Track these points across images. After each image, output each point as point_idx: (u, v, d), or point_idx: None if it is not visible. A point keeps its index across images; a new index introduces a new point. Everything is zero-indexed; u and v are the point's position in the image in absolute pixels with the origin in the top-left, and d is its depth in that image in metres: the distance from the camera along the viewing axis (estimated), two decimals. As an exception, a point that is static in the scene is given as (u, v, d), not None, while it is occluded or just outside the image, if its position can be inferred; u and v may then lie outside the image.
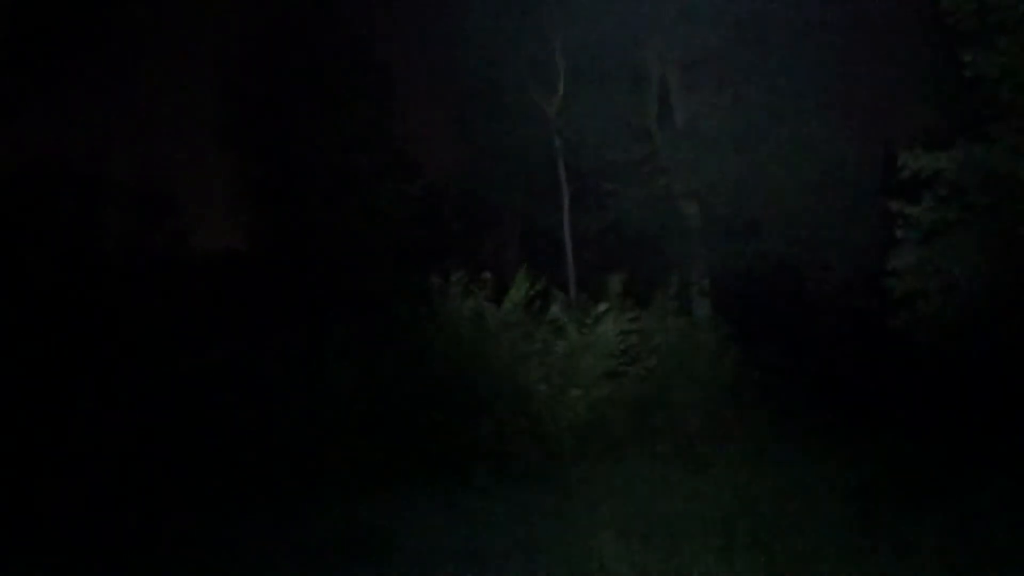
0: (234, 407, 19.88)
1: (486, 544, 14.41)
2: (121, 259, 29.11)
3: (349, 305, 24.74)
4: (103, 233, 30.38)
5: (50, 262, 25.14)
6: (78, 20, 22.60)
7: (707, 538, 13.58)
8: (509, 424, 20.50)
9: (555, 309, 22.84)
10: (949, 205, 23.20)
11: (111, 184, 30.95)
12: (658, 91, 32.50)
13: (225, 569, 13.97)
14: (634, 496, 16.65)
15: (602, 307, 22.78)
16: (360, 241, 30.62)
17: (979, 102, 22.96)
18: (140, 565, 14.17)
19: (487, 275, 22.26)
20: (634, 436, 21.65)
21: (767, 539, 13.48)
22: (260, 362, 21.06)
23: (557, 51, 30.71)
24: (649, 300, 24.69)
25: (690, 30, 30.76)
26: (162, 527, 15.90)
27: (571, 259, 30.20)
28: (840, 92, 31.77)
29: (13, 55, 22.00)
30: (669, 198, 31.86)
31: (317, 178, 31.32)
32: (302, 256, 29.58)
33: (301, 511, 16.67)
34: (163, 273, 25.77)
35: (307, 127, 32.70)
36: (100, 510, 16.51)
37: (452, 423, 20.27)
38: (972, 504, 14.95)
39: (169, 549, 14.89)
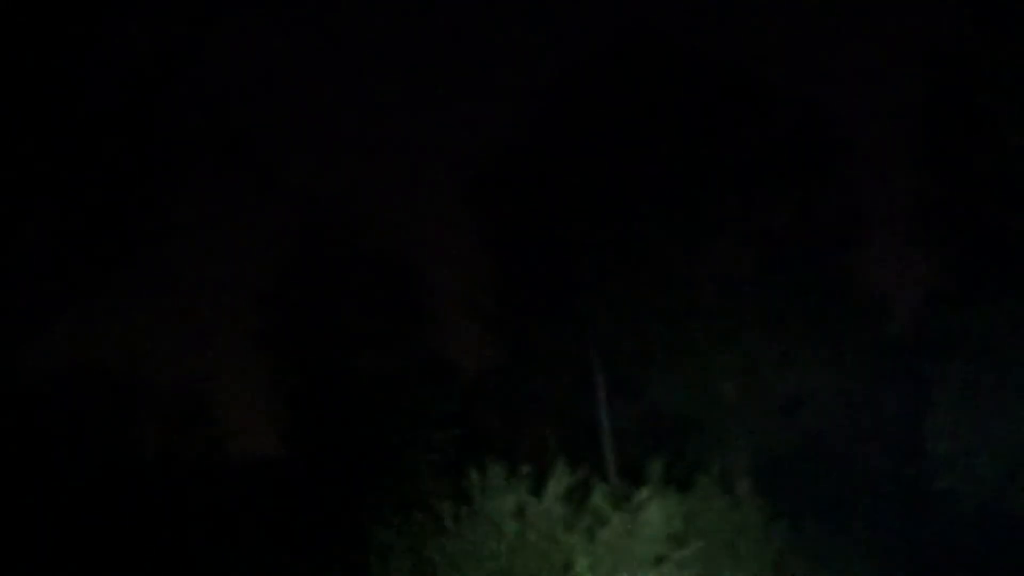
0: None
1: None
2: (158, 466, 29.37)
3: (390, 508, 24.80)
4: (140, 438, 30.71)
5: (86, 469, 25.44)
6: (113, 226, 23.38)
7: None
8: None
9: (596, 498, 22.80)
10: (982, 362, 23.26)
11: (147, 389, 31.44)
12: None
13: None
14: None
15: (644, 493, 22.72)
16: (398, 443, 30.80)
17: (999, 259, 23.25)
18: None
19: (526, 468, 22.36)
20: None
21: None
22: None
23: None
24: (691, 483, 24.62)
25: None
26: None
27: (609, 447, 30.22)
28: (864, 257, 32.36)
29: (48, 260, 22.73)
30: (704, 380, 31.96)
31: (353, 382, 31.71)
32: (339, 461, 29.72)
33: None
34: (200, 480, 25.96)
35: (342, 332, 33.33)
36: None
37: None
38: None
39: None
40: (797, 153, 32.21)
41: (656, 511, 22.57)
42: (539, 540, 21.68)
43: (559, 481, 22.41)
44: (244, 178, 25.19)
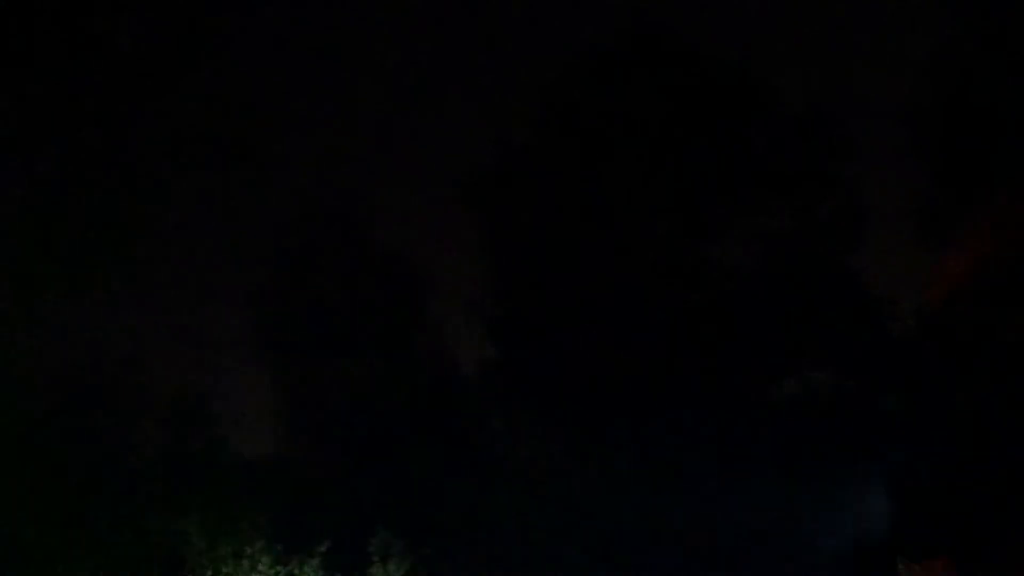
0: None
1: None
2: (158, 466, 29.36)
3: (390, 508, 24.86)
4: (140, 438, 30.63)
5: (86, 468, 25.42)
6: (112, 226, 23.32)
7: None
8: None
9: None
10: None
11: (147, 389, 31.33)
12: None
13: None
14: None
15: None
16: (398, 445, 30.80)
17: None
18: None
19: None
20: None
21: None
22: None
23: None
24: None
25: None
26: None
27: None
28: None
29: (48, 258, 22.67)
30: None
31: (352, 382, 31.71)
32: (342, 461, 29.78)
33: None
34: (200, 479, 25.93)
35: (342, 331, 33.32)
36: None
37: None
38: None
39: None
40: (798, 153, 32.23)
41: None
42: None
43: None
44: (244, 177, 25.18)
